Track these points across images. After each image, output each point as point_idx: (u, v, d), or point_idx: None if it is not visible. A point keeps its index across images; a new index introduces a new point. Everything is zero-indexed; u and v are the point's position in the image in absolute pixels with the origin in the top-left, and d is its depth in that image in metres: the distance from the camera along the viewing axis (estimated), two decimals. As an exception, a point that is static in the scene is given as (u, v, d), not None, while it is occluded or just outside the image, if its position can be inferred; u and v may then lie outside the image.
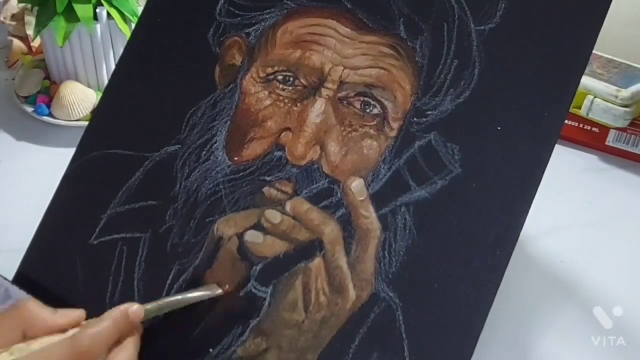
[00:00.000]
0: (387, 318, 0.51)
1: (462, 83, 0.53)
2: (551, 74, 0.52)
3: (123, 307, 0.47)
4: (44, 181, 0.62)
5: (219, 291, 0.53)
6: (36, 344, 0.45)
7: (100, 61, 0.89)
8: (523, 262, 0.69)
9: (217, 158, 0.56)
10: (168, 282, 0.55)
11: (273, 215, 0.54)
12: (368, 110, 0.54)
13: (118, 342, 0.47)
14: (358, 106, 0.54)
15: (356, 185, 0.53)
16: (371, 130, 0.54)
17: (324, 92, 0.55)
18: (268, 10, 0.58)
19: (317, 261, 0.52)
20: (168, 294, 0.54)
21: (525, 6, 0.53)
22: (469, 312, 0.50)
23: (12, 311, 0.46)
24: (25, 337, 0.45)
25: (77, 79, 0.90)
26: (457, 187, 0.52)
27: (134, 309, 0.47)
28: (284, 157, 0.55)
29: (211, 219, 0.55)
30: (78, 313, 0.48)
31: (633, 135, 0.86)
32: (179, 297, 0.52)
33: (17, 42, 1.01)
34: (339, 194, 0.53)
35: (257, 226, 0.54)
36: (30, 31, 0.99)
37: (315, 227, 0.53)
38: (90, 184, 0.60)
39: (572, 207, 0.81)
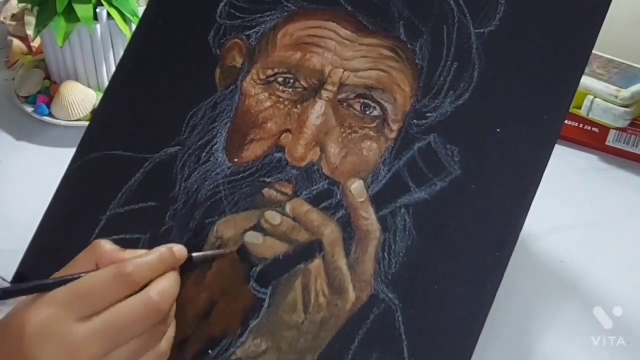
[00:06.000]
0: (386, 319, 0.51)
1: (461, 85, 0.53)
2: (551, 75, 0.52)
3: (168, 245, 0.49)
4: (44, 181, 0.62)
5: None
6: None
7: (100, 61, 0.89)
8: (523, 262, 0.69)
9: (217, 159, 0.57)
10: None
11: (273, 217, 0.54)
12: (368, 112, 0.54)
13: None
14: (358, 108, 0.54)
15: (356, 186, 0.53)
16: (371, 132, 0.54)
17: (324, 94, 0.55)
18: (268, 13, 0.58)
19: (317, 262, 0.52)
20: None
21: (525, 8, 0.53)
22: (469, 313, 0.50)
23: (89, 247, 0.49)
24: None
25: (77, 79, 0.90)
26: (456, 189, 0.52)
27: (178, 247, 0.50)
28: (284, 158, 0.55)
29: (211, 220, 0.55)
30: (143, 252, 0.49)
31: (633, 135, 0.86)
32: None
33: (17, 42, 1.01)
34: (338, 195, 0.53)
35: (257, 227, 0.54)
36: (30, 31, 0.99)
37: (314, 229, 0.53)
38: (90, 184, 0.60)
39: (572, 207, 0.81)
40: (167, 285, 0.47)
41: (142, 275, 0.46)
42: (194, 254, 0.52)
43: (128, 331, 0.45)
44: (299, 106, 0.55)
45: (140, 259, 0.47)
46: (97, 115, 0.65)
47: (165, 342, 0.48)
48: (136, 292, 0.46)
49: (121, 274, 0.46)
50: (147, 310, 0.46)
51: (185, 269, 0.50)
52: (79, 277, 0.46)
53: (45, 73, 0.94)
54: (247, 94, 0.57)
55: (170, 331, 0.49)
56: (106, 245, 0.49)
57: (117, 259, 0.47)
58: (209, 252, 0.54)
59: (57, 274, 0.49)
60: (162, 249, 0.48)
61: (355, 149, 0.54)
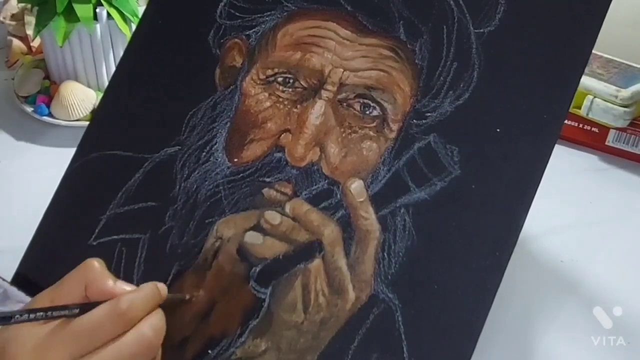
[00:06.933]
0: (386, 319, 0.51)
1: (461, 85, 0.53)
2: (551, 75, 0.52)
3: (153, 282, 0.50)
4: (44, 181, 0.62)
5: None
6: None
7: (100, 61, 0.89)
8: (523, 262, 0.69)
9: (216, 159, 0.57)
10: (167, 283, 0.55)
11: (273, 217, 0.54)
12: (368, 112, 0.54)
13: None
14: (358, 108, 0.54)
15: (356, 186, 0.53)
16: (371, 132, 0.54)
17: (324, 94, 0.55)
18: (268, 13, 0.58)
19: (317, 262, 0.52)
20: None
21: (524, 8, 0.53)
22: (469, 313, 0.50)
23: (80, 267, 0.49)
24: (86, 297, 0.47)
25: (77, 79, 0.90)
26: (456, 189, 0.52)
27: (161, 285, 0.50)
28: (284, 158, 0.55)
29: (211, 220, 0.55)
30: (132, 288, 0.49)
31: (633, 135, 0.86)
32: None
33: (17, 42, 1.01)
34: (338, 195, 0.53)
35: (257, 227, 0.54)
36: (30, 31, 0.99)
37: (314, 228, 0.53)
38: (90, 185, 0.60)
39: (572, 207, 0.81)
40: (158, 321, 0.48)
41: (137, 312, 0.47)
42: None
43: None
44: (298, 106, 0.55)
45: (134, 295, 0.47)
46: (97, 115, 0.65)
47: None
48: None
49: (117, 313, 0.46)
50: (143, 348, 0.46)
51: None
52: (71, 307, 0.46)
53: (45, 73, 0.94)
54: (247, 94, 0.57)
55: None
56: (100, 269, 0.48)
57: (107, 292, 0.47)
58: (176, 295, 0.53)
59: (47, 291, 0.49)
60: (151, 286, 0.49)
61: (355, 149, 0.54)
